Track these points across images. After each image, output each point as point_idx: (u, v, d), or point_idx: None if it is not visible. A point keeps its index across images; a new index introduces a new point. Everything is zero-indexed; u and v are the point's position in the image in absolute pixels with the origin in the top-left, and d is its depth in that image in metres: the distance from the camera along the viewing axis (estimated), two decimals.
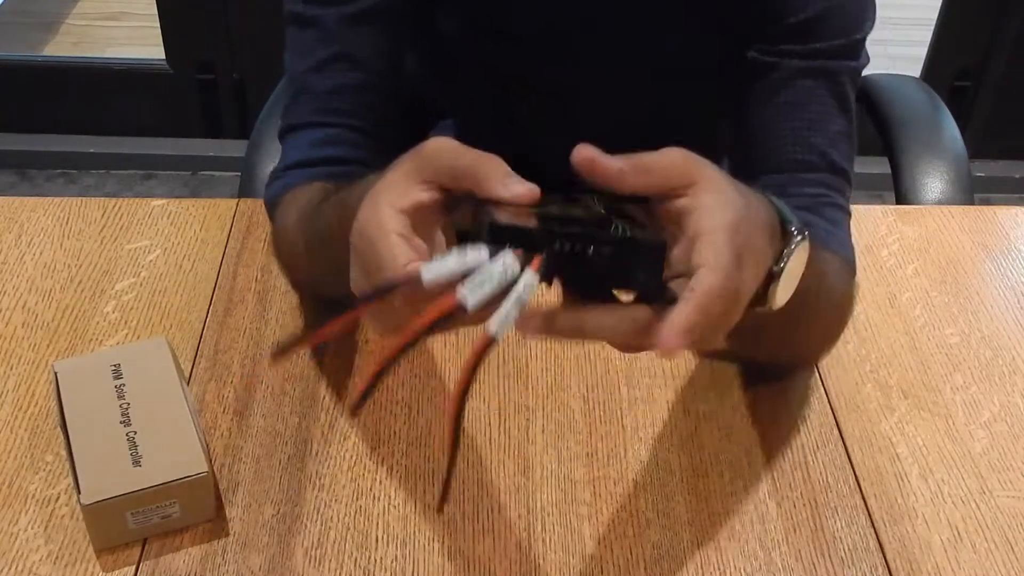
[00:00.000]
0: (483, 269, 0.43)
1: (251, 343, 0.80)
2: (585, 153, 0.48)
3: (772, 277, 0.55)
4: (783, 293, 0.57)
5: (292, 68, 0.83)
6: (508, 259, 0.43)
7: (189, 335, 0.81)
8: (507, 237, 0.44)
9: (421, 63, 0.95)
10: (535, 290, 0.43)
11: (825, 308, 0.71)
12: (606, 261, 0.44)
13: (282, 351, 0.47)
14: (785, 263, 0.56)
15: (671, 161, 0.49)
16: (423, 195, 0.49)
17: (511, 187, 0.47)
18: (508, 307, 0.42)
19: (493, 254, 0.43)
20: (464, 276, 0.43)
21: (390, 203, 0.49)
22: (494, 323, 0.43)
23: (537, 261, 0.43)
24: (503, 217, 0.45)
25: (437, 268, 0.43)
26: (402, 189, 0.49)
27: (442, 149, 0.50)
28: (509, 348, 0.81)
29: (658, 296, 0.45)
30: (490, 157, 0.49)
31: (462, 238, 0.48)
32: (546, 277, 0.44)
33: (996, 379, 0.80)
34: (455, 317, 0.43)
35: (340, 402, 0.76)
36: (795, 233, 0.56)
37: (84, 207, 0.93)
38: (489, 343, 0.43)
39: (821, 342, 0.77)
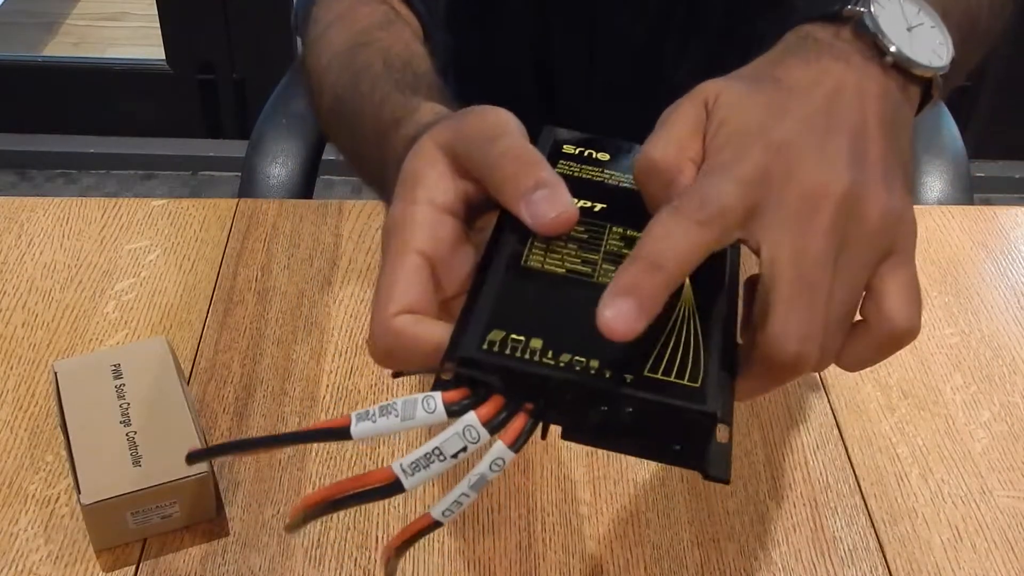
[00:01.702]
0: (436, 439, 0.32)
1: (251, 343, 0.80)
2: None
3: (900, 68, 0.43)
4: (935, 46, 0.44)
5: None
6: (471, 424, 0.31)
7: (189, 335, 0.81)
8: (475, 383, 0.32)
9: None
10: (505, 466, 0.32)
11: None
12: (625, 422, 0.32)
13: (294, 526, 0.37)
14: (894, 51, 0.42)
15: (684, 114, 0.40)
16: (467, 186, 0.38)
17: (534, 206, 0.35)
18: (463, 489, 0.32)
19: (452, 412, 0.32)
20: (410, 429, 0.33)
21: (428, 198, 0.37)
22: (441, 507, 0.33)
23: (514, 429, 0.32)
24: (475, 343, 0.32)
25: (370, 427, 0.32)
26: (439, 179, 0.38)
27: (472, 131, 0.38)
28: None
29: (717, 474, 0.33)
30: (523, 152, 0.36)
31: None
32: (523, 444, 0.32)
33: (996, 379, 0.80)
34: (390, 492, 0.32)
35: (340, 402, 0.76)
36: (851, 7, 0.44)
37: (84, 207, 0.93)
38: (431, 526, 0.34)
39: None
